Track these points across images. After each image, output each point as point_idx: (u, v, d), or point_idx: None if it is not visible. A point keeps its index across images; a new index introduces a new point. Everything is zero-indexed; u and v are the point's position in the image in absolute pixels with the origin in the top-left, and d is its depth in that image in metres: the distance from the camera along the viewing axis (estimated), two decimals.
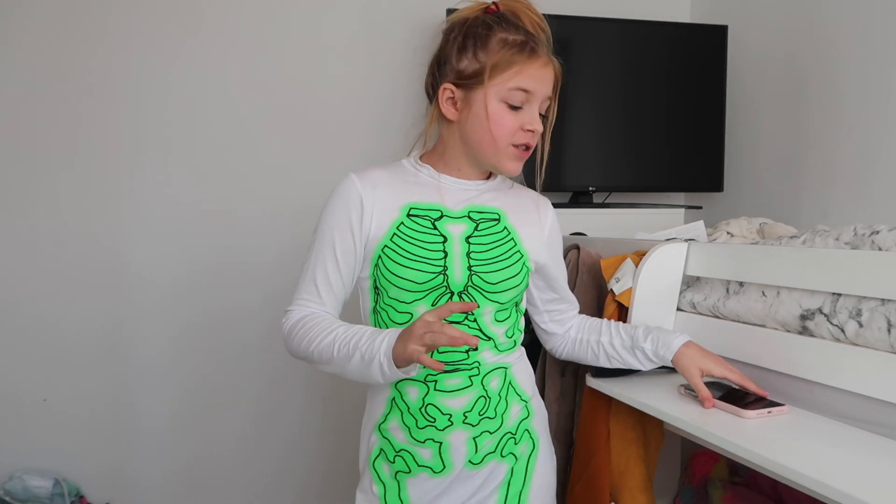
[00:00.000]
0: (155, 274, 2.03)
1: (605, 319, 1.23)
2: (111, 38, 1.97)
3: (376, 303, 1.07)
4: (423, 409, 1.03)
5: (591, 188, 2.11)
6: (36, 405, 1.98)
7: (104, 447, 2.03)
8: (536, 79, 1.02)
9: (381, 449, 1.08)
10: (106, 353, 2.02)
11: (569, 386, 1.44)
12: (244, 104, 2.06)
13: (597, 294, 1.39)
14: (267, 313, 2.08)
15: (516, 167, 1.06)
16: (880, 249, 1.00)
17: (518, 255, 1.08)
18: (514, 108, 1.03)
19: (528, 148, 1.05)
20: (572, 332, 1.23)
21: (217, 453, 2.12)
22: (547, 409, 1.20)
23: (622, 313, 1.31)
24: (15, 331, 1.96)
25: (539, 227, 1.14)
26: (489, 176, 1.13)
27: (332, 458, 2.17)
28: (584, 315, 1.26)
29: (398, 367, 0.93)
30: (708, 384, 1.09)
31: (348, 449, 2.15)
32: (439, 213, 1.06)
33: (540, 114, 1.05)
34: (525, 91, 1.02)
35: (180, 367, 2.07)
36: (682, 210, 2.22)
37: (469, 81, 1.03)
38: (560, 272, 1.21)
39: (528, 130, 1.04)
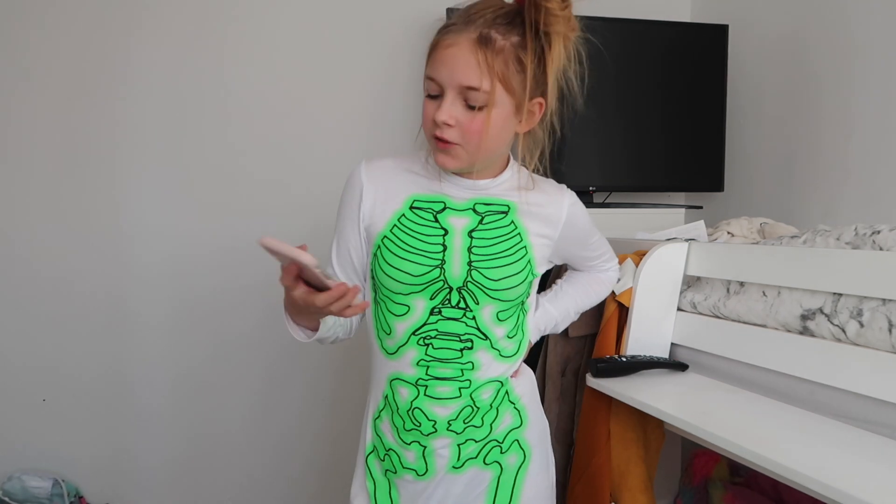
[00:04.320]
0: (154, 274, 2.03)
1: (586, 282, 1.24)
2: (113, 39, 1.96)
3: (376, 292, 1.05)
4: (410, 412, 1.03)
5: (591, 188, 2.11)
6: (35, 405, 1.98)
7: (104, 447, 2.02)
8: (438, 62, 0.95)
9: (375, 446, 1.08)
10: (105, 353, 2.01)
11: (569, 386, 1.44)
12: (242, 103, 2.06)
13: None
14: (264, 302, 2.07)
15: (443, 160, 0.98)
16: (881, 249, 1.00)
17: (523, 252, 1.03)
18: (433, 98, 0.96)
19: (444, 141, 0.96)
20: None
21: (218, 452, 2.11)
22: (547, 409, 1.19)
23: (622, 313, 1.31)
24: (14, 331, 1.95)
25: (552, 224, 1.07)
26: (501, 172, 1.06)
27: (334, 442, 2.17)
28: (605, 273, 1.26)
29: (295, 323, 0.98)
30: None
31: (349, 433, 2.14)
32: (442, 206, 1.03)
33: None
34: (429, 79, 0.96)
35: (181, 368, 2.07)
36: (683, 210, 2.22)
37: None
38: (591, 248, 1.19)
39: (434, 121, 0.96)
